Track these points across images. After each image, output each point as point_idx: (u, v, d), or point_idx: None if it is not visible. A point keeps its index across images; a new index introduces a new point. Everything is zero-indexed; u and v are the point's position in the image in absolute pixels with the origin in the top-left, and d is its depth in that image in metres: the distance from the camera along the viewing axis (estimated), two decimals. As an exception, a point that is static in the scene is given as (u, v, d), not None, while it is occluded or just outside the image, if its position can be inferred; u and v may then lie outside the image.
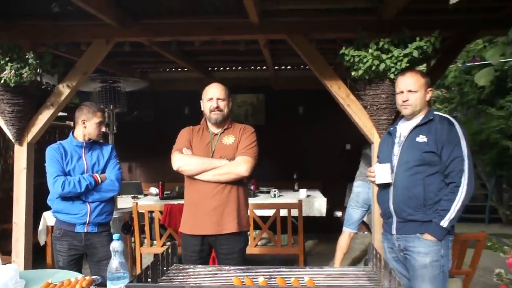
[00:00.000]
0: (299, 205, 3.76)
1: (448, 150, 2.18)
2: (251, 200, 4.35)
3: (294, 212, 3.78)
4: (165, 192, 4.87)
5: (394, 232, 2.34)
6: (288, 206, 3.77)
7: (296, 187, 5.24)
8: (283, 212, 3.76)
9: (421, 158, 2.22)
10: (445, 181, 2.21)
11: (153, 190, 5.13)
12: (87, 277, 2.05)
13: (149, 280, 1.67)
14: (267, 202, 4.32)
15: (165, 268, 1.94)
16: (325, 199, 4.59)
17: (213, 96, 2.48)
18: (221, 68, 6.16)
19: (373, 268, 2.00)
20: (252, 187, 5.01)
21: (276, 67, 5.69)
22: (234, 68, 6.09)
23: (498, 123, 5.55)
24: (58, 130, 6.07)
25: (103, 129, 2.74)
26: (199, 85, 5.98)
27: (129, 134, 5.68)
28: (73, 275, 2.12)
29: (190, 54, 4.92)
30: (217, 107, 2.45)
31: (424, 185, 2.22)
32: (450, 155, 2.18)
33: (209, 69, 6.09)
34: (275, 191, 4.84)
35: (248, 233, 2.70)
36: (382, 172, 2.31)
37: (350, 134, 4.23)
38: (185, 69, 5.81)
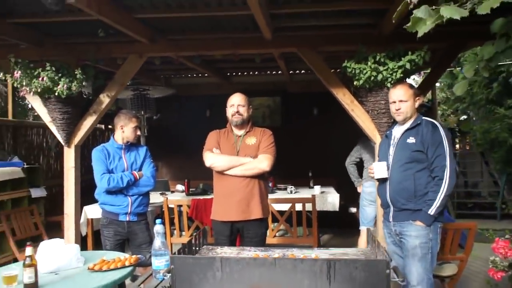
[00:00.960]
0: (312, 200, 4.15)
1: (432, 149, 2.54)
2: (270, 196, 4.77)
3: (309, 207, 4.16)
4: (190, 189, 5.31)
5: (391, 219, 2.71)
6: (303, 201, 4.16)
7: (311, 184, 5.57)
8: (299, 207, 4.15)
9: (410, 156, 2.59)
10: (431, 175, 2.56)
11: (179, 187, 5.57)
12: (134, 256, 2.52)
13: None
14: (283, 197, 4.71)
15: (197, 248, 2.38)
16: (338, 195, 4.94)
17: (234, 103, 2.92)
18: (239, 74, 6.53)
19: (370, 248, 2.39)
20: (270, 184, 5.40)
21: (290, 72, 6.05)
22: (251, 73, 6.47)
23: (504, 122, 5.77)
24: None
25: (139, 132, 3.20)
26: (219, 90, 6.44)
27: (155, 136, 6.16)
28: (121, 255, 2.59)
29: (210, 63, 5.34)
30: (237, 112, 2.89)
31: (414, 179, 2.58)
32: (434, 153, 2.53)
33: (228, 74, 6.48)
34: (291, 187, 5.22)
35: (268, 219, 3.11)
36: (379, 169, 2.70)
37: (361, 134, 4.56)
38: (206, 75, 6.21)
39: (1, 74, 3.35)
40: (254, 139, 2.95)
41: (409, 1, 1.68)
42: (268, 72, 6.36)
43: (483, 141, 6.90)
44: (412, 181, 2.59)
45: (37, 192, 4.58)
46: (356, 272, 1.80)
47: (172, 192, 5.65)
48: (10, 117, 5.55)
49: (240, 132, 2.97)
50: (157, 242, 2.22)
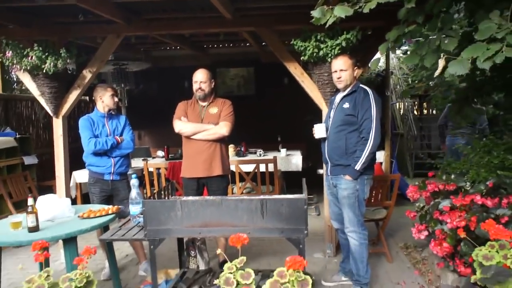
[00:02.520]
0: (274, 161, 4.72)
1: (361, 113, 2.90)
2: (240, 159, 5.35)
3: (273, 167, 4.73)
4: (170, 155, 5.85)
5: (329, 173, 3.16)
6: (265, 162, 4.74)
7: (280, 149, 6.15)
8: (263, 168, 4.72)
9: (344, 119, 2.98)
10: (360, 136, 2.94)
11: (160, 153, 6.10)
12: (115, 206, 3.07)
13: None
14: (248, 159, 5.26)
15: (167, 198, 2.94)
16: (301, 157, 5.52)
17: (197, 80, 3.41)
18: (215, 46, 6.92)
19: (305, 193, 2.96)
20: (242, 149, 5.97)
21: (263, 43, 6.46)
22: (226, 45, 6.87)
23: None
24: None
25: (116, 99, 3.65)
26: (197, 61, 6.81)
27: (137, 106, 6.61)
28: (105, 206, 3.14)
29: (185, 37, 5.73)
30: (200, 88, 3.38)
31: (346, 139, 2.97)
32: (363, 117, 2.90)
33: (204, 46, 6.88)
34: (260, 151, 5.80)
35: (229, 176, 3.66)
36: (319, 130, 3.16)
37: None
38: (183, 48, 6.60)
39: None
40: (216, 108, 3.47)
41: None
42: (242, 44, 6.72)
43: (442, 105, 7.47)
44: (344, 140, 2.98)
45: (29, 160, 5.08)
46: (282, 208, 2.38)
47: (154, 158, 6.17)
48: (0, 91, 5.96)
49: (204, 103, 3.48)
50: (133, 192, 2.75)
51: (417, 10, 2.48)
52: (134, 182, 2.79)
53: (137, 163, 5.59)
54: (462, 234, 2.42)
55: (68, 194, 4.14)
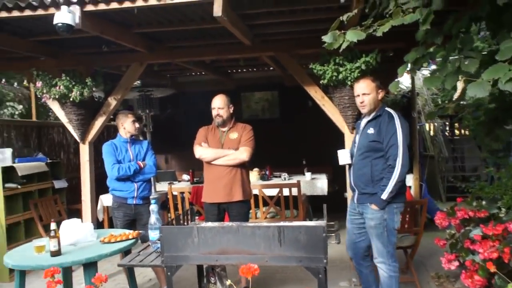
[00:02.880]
0: (297, 185, 4.65)
1: (387, 139, 2.73)
2: (264, 182, 5.32)
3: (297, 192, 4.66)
4: (195, 178, 5.89)
5: (355, 201, 2.96)
6: (289, 186, 4.67)
7: (305, 172, 6.06)
8: (286, 192, 4.66)
9: (368, 146, 2.82)
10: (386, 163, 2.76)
11: (185, 176, 6.15)
12: (136, 231, 3.10)
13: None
14: (271, 183, 5.20)
15: (186, 223, 2.94)
16: (326, 180, 5.42)
17: (215, 107, 3.43)
18: (239, 70, 7.03)
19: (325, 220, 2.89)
20: (267, 172, 5.94)
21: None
22: (250, 69, 6.96)
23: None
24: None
25: (137, 124, 3.74)
26: (221, 86, 6.91)
27: (164, 131, 6.74)
28: (126, 231, 3.18)
29: (207, 64, 5.82)
30: (218, 114, 3.40)
31: (372, 166, 2.80)
32: (388, 143, 2.73)
33: (228, 71, 6.99)
34: (285, 175, 5.73)
35: (250, 201, 3.62)
36: (342, 156, 3.05)
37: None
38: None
39: (25, 82, 3.97)
40: (236, 134, 3.48)
41: (341, 19, 2.18)
42: (266, 68, 6.78)
43: (473, 126, 7.19)
44: (369, 167, 2.81)
45: (60, 184, 5.24)
46: (301, 236, 2.32)
47: (179, 181, 6.23)
48: (34, 118, 6.25)
49: (224, 128, 3.50)
50: (152, 218, 2.76)
51: (435, 31, 2.42)
52: (153, 207, 2.80)
53: (163, 186, 5.65)
54: (492, 268, 2.26)
55: (94, 218, 4.22)
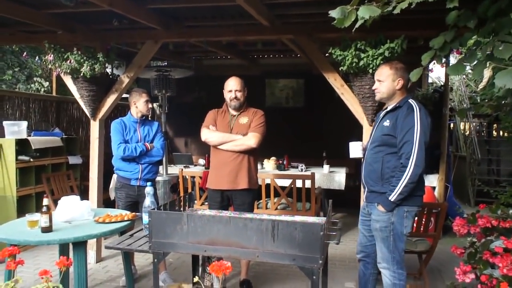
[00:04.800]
0: (312, 177, 4.43)
1: (401, 134, 2.45)
2: (281, 172, 5.12)
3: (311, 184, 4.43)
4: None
5: (364, 199, 2.76)
6: (302, 177, 4.45)
7: (323, 165, 5.80)
8: (299, 183, 4.44)
9: (381, 139, 2.57)
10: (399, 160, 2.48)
11: (201, 161, 6.05)
12: (132, 213, 2.99)
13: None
14: (285, 173, 4.98)
15: (181, 209, 2.79)
16: (344, 174, 5.16)
17: (232, 88, 3.24)
18: (265, 56, 6.80)
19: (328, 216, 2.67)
20: (284, 162, 5.73)
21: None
22: (276, 56, 6.72)
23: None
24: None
25: (150, 105, 3.62)
26: (246, 70, 6.71)
27: (186, 114, 6.63)
28: (123, 212, 3.08)
29: (232, 45, 5.65)
30: (236, 97, 3.21)
31: (383, 161, 2.54)
32: (403, 139, 2.44)
33: (255, 56, 6.76)
34: (302, 166, 5.50)
35: (256, 190, 3.42)
36: (353, 149, 2.82)
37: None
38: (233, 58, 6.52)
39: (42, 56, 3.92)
40: (247, 118, 3.28)
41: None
42: (293, 55, 6.51)
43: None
44: (380, 163, 2.56)
45: (74, 159, 5.24)
46: (296, 232, 2.12)
47: (195, 165, 6.14)
48: (54, 93, 6.28)
49: (235, 112, 3.31)
50: (147, 201, 2.64)
51: (469, 13, 2.12)
52: (149, 190, 2.68)
53: (175, 170, 5.56)
54: (509, 288, 1.98)
55: (100, 196, 4.16)
